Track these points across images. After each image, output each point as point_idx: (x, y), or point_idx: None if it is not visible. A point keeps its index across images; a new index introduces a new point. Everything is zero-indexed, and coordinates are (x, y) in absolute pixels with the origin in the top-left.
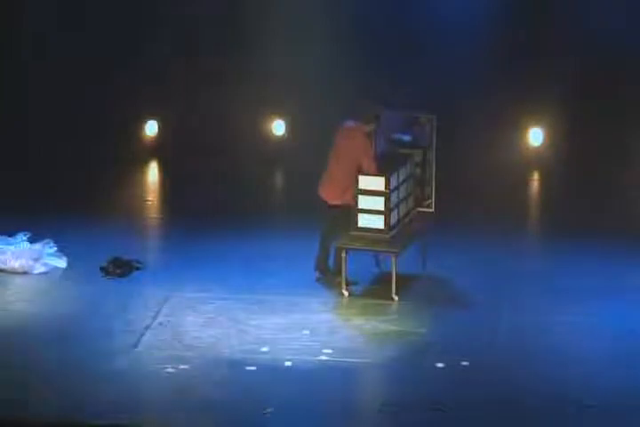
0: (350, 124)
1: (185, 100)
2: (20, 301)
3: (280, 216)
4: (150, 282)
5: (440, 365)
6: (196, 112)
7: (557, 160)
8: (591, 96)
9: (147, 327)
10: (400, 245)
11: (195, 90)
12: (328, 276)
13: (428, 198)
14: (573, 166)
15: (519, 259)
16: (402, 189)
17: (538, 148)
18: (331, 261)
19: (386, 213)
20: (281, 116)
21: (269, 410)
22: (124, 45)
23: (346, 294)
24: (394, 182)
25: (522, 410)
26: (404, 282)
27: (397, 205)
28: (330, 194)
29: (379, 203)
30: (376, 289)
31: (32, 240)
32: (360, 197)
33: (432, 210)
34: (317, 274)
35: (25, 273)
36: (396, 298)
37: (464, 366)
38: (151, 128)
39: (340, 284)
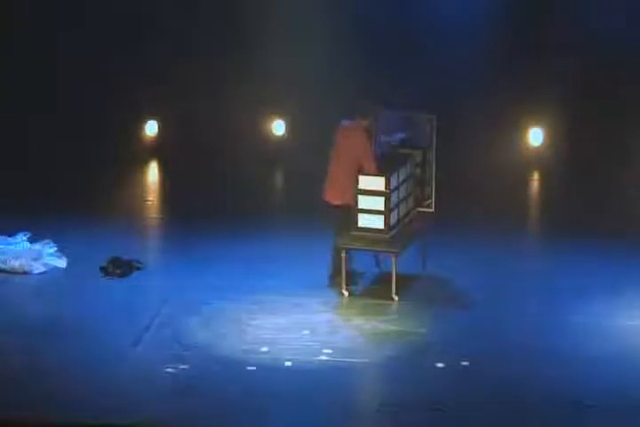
0: (348, 123)
1: (185, 100)
2: (20, 301)
3: (280, 216)
4: (150, 282)
5: (440, 365)
6: (196, 112)
7: (557, 160)
8: (591, 96)
9: (147, 327)
10: (400, 245)
11: (195, 90)
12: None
13: (428, 198)
14: (573, 166)
15: (519, 259)
16: (402, 189)
17: (538, 148)
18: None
19: (386, 213)
20: (281, 116)
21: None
22: (124, 45)
23: (346, 294)
24: (394, 182)
25: (522, 410)
26: (404, 282)
27: (397, 205)
28: (331, 194)
29: (379, 203)
30: (376, 289)
31: (32, 240)
32: (360, 197)
33: (432, 210)
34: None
35: (25, 273)
36: (396, 298)
37: (464, 366)
38: (151, 128)
39: (339, 283)
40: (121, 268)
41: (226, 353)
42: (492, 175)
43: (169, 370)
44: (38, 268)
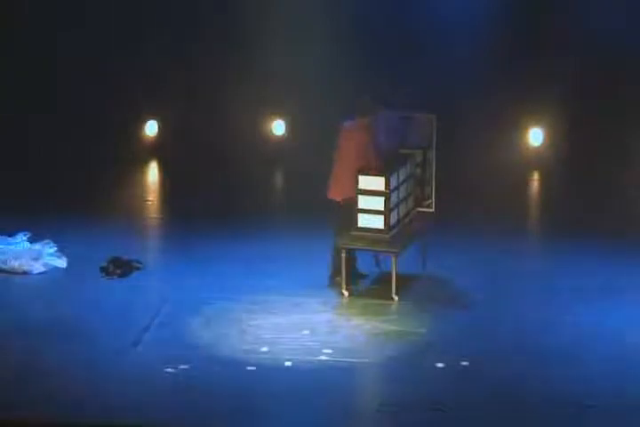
0: (349, 124)
1: (185, 100)
2: (20, 301)
3: (280, 216)
4: (150, 282)
5: (440, 365)
6: (196, 112)
7: (557, 160)
8: (591, 96)
9: (147, 327)
10: (400, 245)
11: (195, 90)
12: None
13: (428, 198)
14: (573, 166)
15: (519, 259)
16: (402, 189)
17: (538, 148)
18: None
19: (386, 213)
20: (281, 116)
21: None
22: (124, 45)
23: (346, 294)
24: (394, 182)
25: (522, 410)
26: (404, 282)
27: (397, 205)
28: (334, 191)
29: (379, 203)
30: (376, 289)
31: (32, 240)
32: (360, 197)
33: (432, 210)
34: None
35: (25, 273)
36: (396, 298)
37: (464, 366)
38: (151, 128)
39: (339, 283)
40: (121, 268)
41: (226, 353)
42: (492, 175)
43: (169, 370)
44: (38, 268)
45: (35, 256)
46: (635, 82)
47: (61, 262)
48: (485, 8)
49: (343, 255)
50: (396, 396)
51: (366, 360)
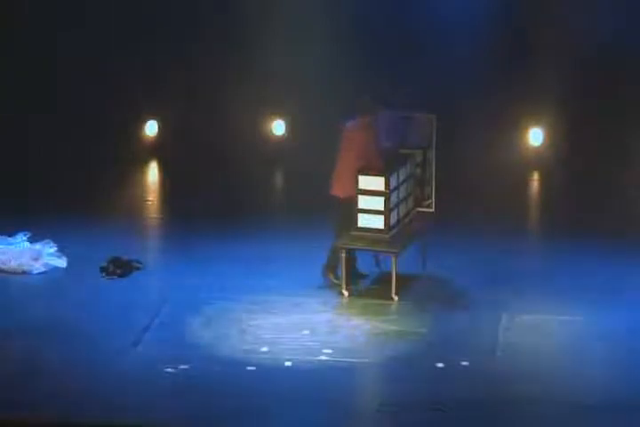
0: (351, 123)
1: (185, 100)
2: (20, 301)
3: (280, 216)
4: (150, 282)
5: (440, 365)
6: (196, 112)
7: (557, 160)
8: (591, 96)
9: (147, 327)
10: (400, 245)
11: (195, 90)
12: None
13: (428, 198)
14: (573, 166)
15: (519, 259)
16: (402, 189)
17: (538, 148)
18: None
19: (386, 213)
20: (281, 116)
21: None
22: (124, 45)
23: (346, 294)
24: (394, 182)
25: (521, 410)
26: (404, 282)
27: (397, 205)
28: (337, 188)
29: (379, 203)
30: (376, 289)
31: (32, 240)
32: (360, 197)
33: (432, 210)
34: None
35: (25, 273)
36: (396, 298)
37: (464, 366)
38: (151, 128)
39: (331, 279)
40: (121, 268)
41: (226, 353)
42: (492, 175)
43: (169, 370)
44: (38, 268)
45: (35, 256)
46: (635, 82)
47: (61, 262)
48: (485, 8)
49: (343, 255)
50: (396, 396)
51: (366, 360)
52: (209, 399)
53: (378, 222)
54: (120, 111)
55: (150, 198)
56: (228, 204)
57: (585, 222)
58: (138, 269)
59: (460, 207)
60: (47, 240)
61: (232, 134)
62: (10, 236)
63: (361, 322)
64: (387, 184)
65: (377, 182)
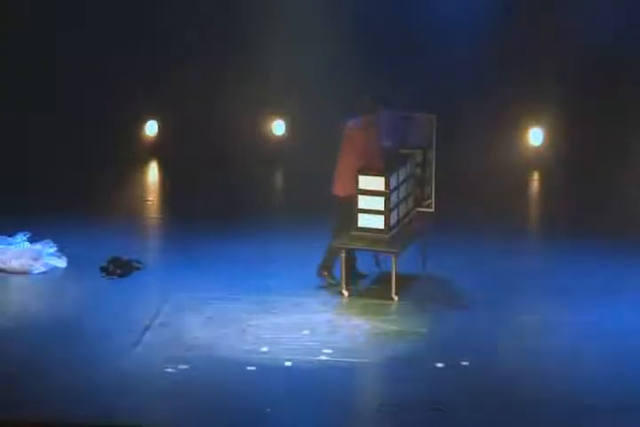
0: (352, 122)
1: (185, 100)
2: (20, 301)
3: (280, 216)
4: (150, 282)
5: (440, 365)
6: (196, 112)
7: (557, 160)
8: (591, 96)
9: (147, 327)
10: (400, 245)
11: (195, 90)
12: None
13: (428, 198)
14: (573, 166)
15: (519, 259)
16: (402, 189)
17: (538, 148)
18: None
19: (386, 213)
20: (281, 116)
21: (269, 410)
22: (124, 45)
23: (346, 294)
24: (394, 182)
25: (522, 410)
26: (404, 282)
27: (397, 205)
28: (338, 186)
29: (379, 203)
30: (376, 289)
31: (32, 240)
32: (360, 197)
33: (432, 210)
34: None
35: (25, 273)
36: (396, 298)
37: (464, 366)
38: (151, 128)
39: (326, 277)
40: (121, 268)
41: (226, 353)
42: (492, 175)
43: (169, 370)
44: (38, 268)
45: (35, 256)
46: (635, 82)
47: (61, 262)
48: (485, 8)
49: (343, 255)
50: (396, 396)
51: (366, 360)
52: (209, 399)
53: (378, 222)
54: (120, 111)
55: (150, 198)
56: (228, 204)
57: (585, 222)
58: (138, 269)
59: (460, 207)
60: (47, 240)
61: (232, 134)
62: (10, 236)
63: (361, 322)
64: (387, 184)
65: (377, 182)
